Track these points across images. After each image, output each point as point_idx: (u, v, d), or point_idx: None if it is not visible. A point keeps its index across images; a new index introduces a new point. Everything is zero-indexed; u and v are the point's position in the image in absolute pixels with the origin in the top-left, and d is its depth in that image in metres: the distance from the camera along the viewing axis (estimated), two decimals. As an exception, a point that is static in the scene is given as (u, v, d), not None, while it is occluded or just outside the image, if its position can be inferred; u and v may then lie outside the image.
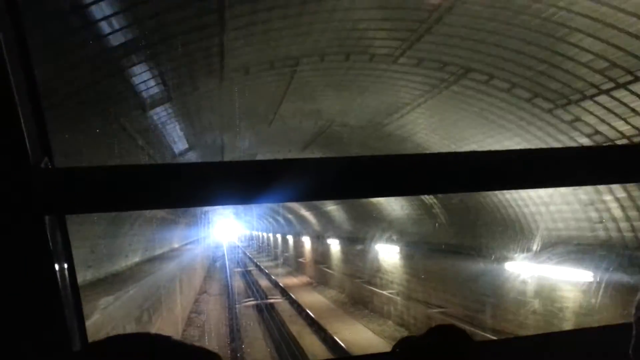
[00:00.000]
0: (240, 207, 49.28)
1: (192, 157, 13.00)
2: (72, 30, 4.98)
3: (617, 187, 8.55)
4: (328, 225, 28.88)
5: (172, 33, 6.15)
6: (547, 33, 6.76)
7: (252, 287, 32.15)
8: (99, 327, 7.56)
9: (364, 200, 19.78)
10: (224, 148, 13.54)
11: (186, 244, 32.23)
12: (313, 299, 25.85)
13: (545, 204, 10.90)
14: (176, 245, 28.34)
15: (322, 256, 30.07)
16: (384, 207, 19.51)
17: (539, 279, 10.61)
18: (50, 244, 1.07)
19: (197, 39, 6.56)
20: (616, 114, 7.66)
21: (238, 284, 34.57)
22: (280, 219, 44.32)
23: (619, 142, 7.99)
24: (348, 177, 1.13)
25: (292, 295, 26.30)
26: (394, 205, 18.74)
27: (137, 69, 6.56)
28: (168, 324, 16.45)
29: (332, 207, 26.59)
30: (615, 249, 9.05)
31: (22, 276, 1.06)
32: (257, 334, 19.69)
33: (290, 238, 41.93)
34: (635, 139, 7.81)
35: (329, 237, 28.16)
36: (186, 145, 11.53)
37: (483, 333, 12.14)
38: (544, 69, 7.64)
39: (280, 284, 31.37)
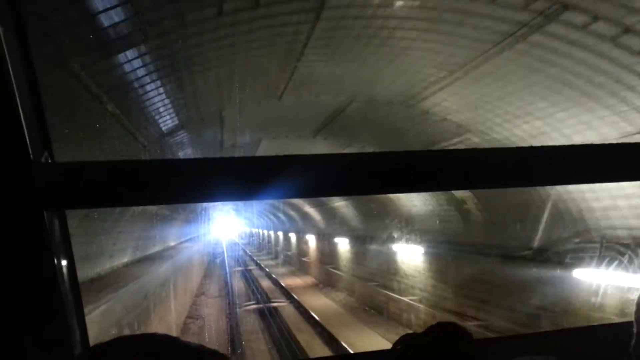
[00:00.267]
0: (240, 204, 47.03)
1: (186, 139, 10.66)
2: None
3: None
4: (335, 222, 26.53)
5: None
6: None
7: (253, 288, 29.79)
8: None
9: (378, 195, 17.52)
10: (223, 127, 11.17)
11: (183, 242, 29.88)
12: (320, 303, 23.51)
13: (624, 197, 8.58)
14: (172, 243, 25.97)
15: (328, 256, 27.72)
16: (402, 202, 17.17)
17: (625, 291, 8.26)
18: (51, 239, 1.06)
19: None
20: None
21: (238, 284, 32.19)
22: (282, 215, 41.99)
23: None
24: (348, 174, 1.10)
25: (297, 298, 23.96)
26: (415, 201, 16.40)
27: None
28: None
29: (339, 204, 24.27)
30: None
31: (21, 272, 1.05)
32: (260, 344, 17.35)
33: (292, 236, 39.57)
34: None
35: (336, 235, 25.80)
36: (176, 121, 9.17)
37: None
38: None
39: (284, 285, 29.02)
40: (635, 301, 1.20)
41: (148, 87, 7.66)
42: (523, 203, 10.98)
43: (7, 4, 1.03)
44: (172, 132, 9.56)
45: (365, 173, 1.10)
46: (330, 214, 27.27)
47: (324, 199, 25.71)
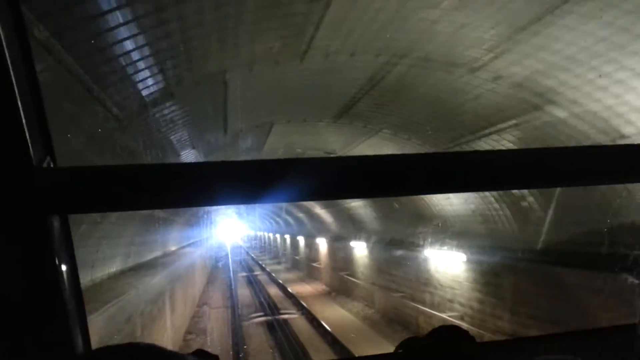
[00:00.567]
0: (244, 207, 44.58)
1: (177, 115, 8.06)
2: None
3: None
4: (350, 225, 23.88)
5: None
6: None
7: (260, 296, 27.12)
8: None
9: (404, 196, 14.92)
10: (227, 100, 8.53)
11: (185, 247, 27.27)
12: (335, 315, 20.82)
13: None
14: (173, 248, 23.35)
15: (342, 261, 25.04)
16: (434, 201, 14.51)
17: None
18: (53, 243, 1.06)
19: None
20: None
21: (244, 292, 29.53)
22: (289, 218, 39.35)
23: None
24: (353, 176, 1.09)
25: (309, 309, 21.28)
26: (452, 199, 13.73)
27: None
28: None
29: (356, 204, 21.63)
30: None
31: (24, 276, 1.04)
32: (271, 368, 14.70)
33: (300, 239, 36.89)
34: None
35: (351, 239, 23.14)
36: (161, 84, 6.56)
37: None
38: None
39: (293, 293, 26.34)
40: None
41: (121, 31, 5.08)
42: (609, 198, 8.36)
43: (7, 6, 1.02)
44: (157, 101, 6.93)
45: (367, 176, 1.09)
46: (344, 216, 24.62)
47: (337, 199, 23.13)
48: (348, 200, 22.40)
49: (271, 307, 23.31)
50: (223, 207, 36.59)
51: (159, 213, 15.90)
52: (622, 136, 7.49)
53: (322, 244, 29.65)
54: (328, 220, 28.21)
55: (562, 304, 9.51)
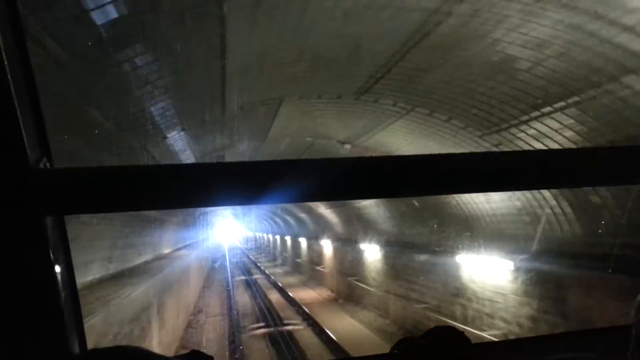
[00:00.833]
0: (243, 208, 42.20)
1: (152, 67, 5.71)
2: None
3: None
4: (359, 226, 21.55)
5: None
6: None
7: (260, 303, 24.71)
8: None
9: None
10: (225, 59, 6.15)
11: (180, 249, 24.85)
12: (345, 326, 18.46)
13: None
14: (166, 251, 20.93)
15: (350, 266, 22.68)
16: (467, 199, 12.19)
17: None
18: (49, 244, 1.04)
19: None
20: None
21: (242, 298, 27.13)
22: (290, 218, 37.00)
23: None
24: (351, 177, 1.09)
25: (316, 318, 18.91)
26: (492, 195, 11.42)
27: None
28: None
29: (367, 203, 19.32)
30: None
31: (20, 277, 1.02)
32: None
33: (303, 241, 34.51)
34: None
35: (361, 241, 20.80)
36: (123, 6, 4.18)
37: None
38: None
39: (296, 299, 23.96)
40: (635, 305, 1.16)
41: None
42: None
43: (5, 8, 1.01)
44: (120, 39, 4.55)
45: (366, 177, 1.08)
46: (352, 216, 22.29)
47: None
48: (359, 200, 20.13)
49: (273, 316, 20.92)
50: (220, 207, 34.26)
51: (149, 213, 13.66)
52: None
53: (327, 247, 27.29)
54: (333, 220, 25.87)
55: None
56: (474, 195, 11.83)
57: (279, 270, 40.69)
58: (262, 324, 19.57)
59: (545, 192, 9.73)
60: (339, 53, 7.08)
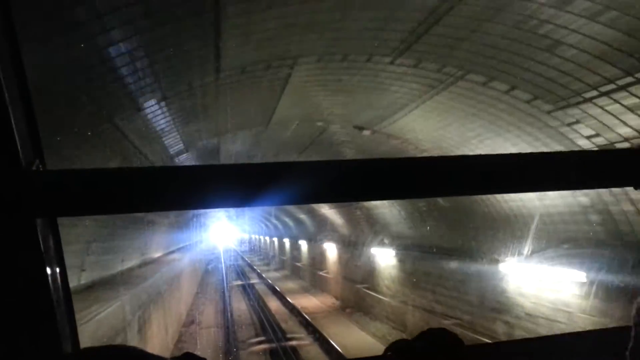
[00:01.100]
0: (239, 209, 39.84)
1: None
2: None
3: None
4: (368, 228, 19.28)
5: None
6: None
7: (259, 312, 22.32)
8: None
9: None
10: None
11: (172, 252, 22.41)
12: (357, 340, 16.12)
13: None
14: (155, 255, 18.51)
15: (359, 272, 20.36)
16: (511, 195, 9.91)
17: None
18: (42, 247, 1.03)
19: None
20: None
21: (240, 306, 24.72)
22: (288, 220, 34.63)
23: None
24: (347, 180, 1.09)
25: (322, 331, 16.56)
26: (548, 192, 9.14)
27: None
28: None
29: (377, 203, 17.09)
30: None
31: (13, 278, 1.01)
32: None
33: (303, 244, 32.15)
34: None
35: (371, 244, 18.50)
36: None
37: None
38: None
39: (298, 308, 21.60)
40: (635, 305, 1.12)
41: None
42: None
43: None
44: None
45: (362, 179, 1.09)
46: (360, 217, 20.01)
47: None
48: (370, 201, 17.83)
49: (274, 328, 18.55)
50: (214, 210, 31.87)
51: (134, 213, 11.28)
52: None
53: (331, 250, 24.95)
54: (337, 222, 23.56)
55: None
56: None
57: (277, 274, 38.27)
58: (262, 338, 17.19)
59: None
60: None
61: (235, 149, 12.26)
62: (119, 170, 1.01)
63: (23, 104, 1.04)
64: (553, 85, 6.81)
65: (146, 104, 6.61)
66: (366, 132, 11.12)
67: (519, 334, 10.16)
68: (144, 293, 11.83)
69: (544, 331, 9.45)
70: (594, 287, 8.15)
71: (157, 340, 13.48)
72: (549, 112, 7.49)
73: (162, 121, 7.77)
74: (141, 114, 6.78)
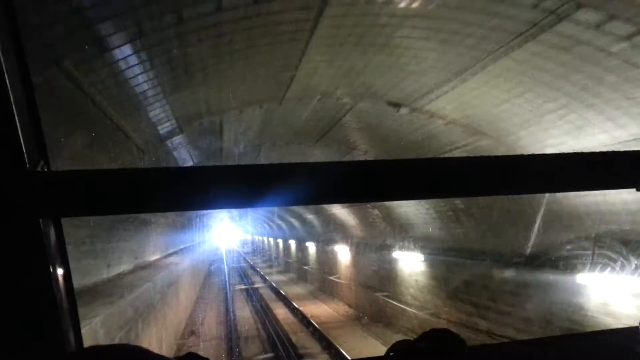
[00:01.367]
0: (242, 210, 37.65)
1: None
2: None
3: None
4: (389, 230, 17.07)
5: None
6: None
7: (265, 321, 20.06)
8: None
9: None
10: None
11: (170, 255, 20.18)
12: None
13: None
14: (151, 258, 16.33)
15: (377, 278, 18.13)
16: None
17: None
18: (46, 247, 1.03)
19: None
20: None
21: (244, 314, 22.47)
22: (294, 220, 32.42)
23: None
24: (351, 181, 1.09)
25: (339, 348, 14.29)
26: None
27: None
28: None
29: (399, 202, 14.93)
30: None
31: (18, 278, 1.00)
32: None
33: (310, 246, 29.92)
34: None
35: (394, 248, 16.26)
36: None
37: None
38: None
39: (308, 316, 19.36)
40: None
41: None
42: None
43: (2, 11, 0.99)
44: None
45: (366, 180, 1.09)
46: (377, 218, 17.81)
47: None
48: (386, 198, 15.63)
49: (282, 340, 16.30)
50: (217, 210, 29.77)
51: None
52: None
53: (343, 253, 22.71)
54: (350, 223, 21.36)
55: None
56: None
57: (282, 277, 36.00)
58: (270, 355, 14.93)
59: None
60: None
61: (240, 131, 10.04)
62: (123, 171, 0.99)
63: (28, 105, 1.05)
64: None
65: (114, 42, 4.38)
66: (404, 111, 8.89)
67: None
68: (130, 308, 9.61)
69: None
70: None
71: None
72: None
73: (143, 80, 5.54)
74: (109, 59, 4.55)
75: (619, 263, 7.49)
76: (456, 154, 10.03)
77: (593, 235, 8.11)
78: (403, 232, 15.95)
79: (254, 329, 19.22)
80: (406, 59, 7.08)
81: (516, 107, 7.61)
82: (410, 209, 15.08)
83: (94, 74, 4.68)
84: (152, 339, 12.16)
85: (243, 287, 31.27)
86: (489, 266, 10.76)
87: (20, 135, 0.97)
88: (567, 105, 6.93)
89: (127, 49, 4.63)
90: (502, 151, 9.06)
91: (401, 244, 15.88)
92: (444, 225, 13.52)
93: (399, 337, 9.65)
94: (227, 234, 63.30)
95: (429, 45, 6.51)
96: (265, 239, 56.70)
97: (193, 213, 23.21)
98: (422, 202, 13.87)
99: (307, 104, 9.08)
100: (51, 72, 4.15)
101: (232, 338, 16.76)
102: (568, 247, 8.58)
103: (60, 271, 1.11)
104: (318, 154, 13.60)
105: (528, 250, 9.62)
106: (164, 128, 7.81)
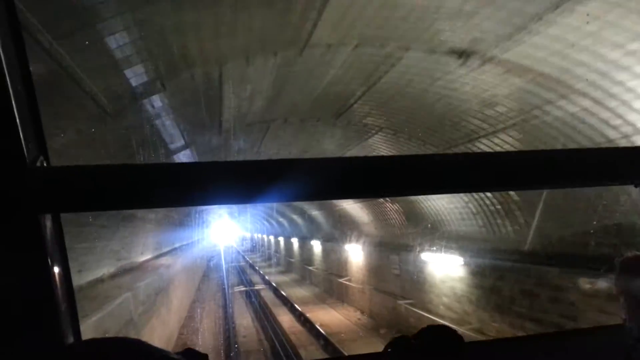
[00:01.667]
0: (242, 206, 35.12)
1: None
2: None
3: None
4: (412, 227, 14.61)
5: None
6: None
7: (268, 331, 17.55)
8: None
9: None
10: None
11: (163, 254, 17.56)
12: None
13: None
14: (139, 259, 13.72)
15: (400, 283, 15.64)
16: None
17: None
18: (45, 242, 1.03)
19: None
20: None
21: (245, 322, 19.94)
22: (296, 217, 29.90)
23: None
24: (349, 177, 1.09)
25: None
26: None
27: None
28: None
29: (425, 196, 12.57)
30: None
31: (18, 272, 1.00)
32: None
33: (315, 245, 27.41)
34: None
35: (421, 249, 13.77)
36: None
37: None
38: None
39: (317, 325, 16.86)
40: (617, 266, 1.12)
41: None
42: None
43: (3, 8, 0.98)
44: None
45: (364, 176, 1.08)
46: (394, 213, 15.36)
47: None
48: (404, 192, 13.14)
49: (289, 356, 13.79)
50: (215, 206, 27.25)
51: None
52: None
53: (354, 253, 20.21)
54: (362, 220, 18.89)
55: None
56: None
57: (284, 278, 33.47)
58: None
59: None
60: None
61: (245, 96, 7.50)
62: (122, 167, 0.98)
63: (27, 101, 1.03)
64: None
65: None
66: (474, 62, 6.38)
67: None
68: (94, 333, 7.13)
69: None
70: None
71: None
72: None
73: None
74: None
75: None
76: (532, 122, 7.53)
77: None
78: (432, 231, 13.49)
79: (255, 341, 16.70)
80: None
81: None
82: (442, 203, 12.62)
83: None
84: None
85: (243, 288, 28.76)
86: (564, 274, 8.29)
87: (20, 131, 0.95)
88: None
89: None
90: (602, 118, 6.59)
91: (429, 244, 13.40)
92: (488, 222, 11.07)
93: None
94: (226, 231, 60.74)
95: None
96: (264, 236, 54.18)
97: (191, 209, 20.76)
98: (459, 195, 11.43)
99: (337, 54, 6.54)
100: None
101: (231, 354, 14.26)
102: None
103: (59, 266, 1.09)
104: (339, 136, 11.12)
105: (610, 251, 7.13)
106: (136, 76, 5.26)
